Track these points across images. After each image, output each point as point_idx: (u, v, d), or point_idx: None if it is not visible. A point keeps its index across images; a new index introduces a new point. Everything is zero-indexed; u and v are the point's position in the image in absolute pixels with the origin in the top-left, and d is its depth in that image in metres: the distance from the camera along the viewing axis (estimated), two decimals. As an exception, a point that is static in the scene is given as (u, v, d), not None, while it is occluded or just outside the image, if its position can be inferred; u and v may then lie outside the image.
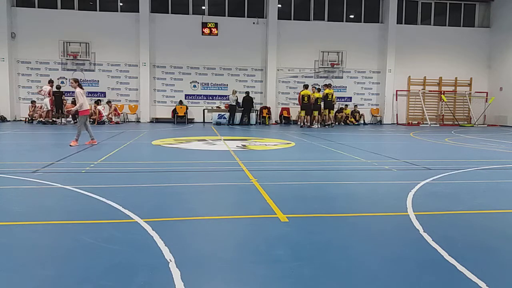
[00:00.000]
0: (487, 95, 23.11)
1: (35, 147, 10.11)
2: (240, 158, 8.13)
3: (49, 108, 17.63)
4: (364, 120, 21.96)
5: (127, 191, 5.24)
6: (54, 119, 17.91)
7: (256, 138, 12.91)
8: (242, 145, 10.78)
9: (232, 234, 3.73)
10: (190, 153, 9.39)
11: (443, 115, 22.91)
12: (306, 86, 19.01)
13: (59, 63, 20.41)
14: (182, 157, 8.78)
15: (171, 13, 21.15)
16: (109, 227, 3.69)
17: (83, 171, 6.47)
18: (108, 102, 19.47)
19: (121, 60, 20.79)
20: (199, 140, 11.83)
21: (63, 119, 18.24)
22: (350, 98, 22.43)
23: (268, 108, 21.06)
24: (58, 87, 17.90)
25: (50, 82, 18.41)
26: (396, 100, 22.47)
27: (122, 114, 20.43)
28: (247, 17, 21.60)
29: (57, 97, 17.65)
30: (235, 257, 3.13)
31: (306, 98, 18.54)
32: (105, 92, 20.20)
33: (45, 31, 20.04)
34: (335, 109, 20.50)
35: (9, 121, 19.43)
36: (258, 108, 21.00)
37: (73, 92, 13.17)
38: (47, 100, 17.61)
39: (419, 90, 22.70)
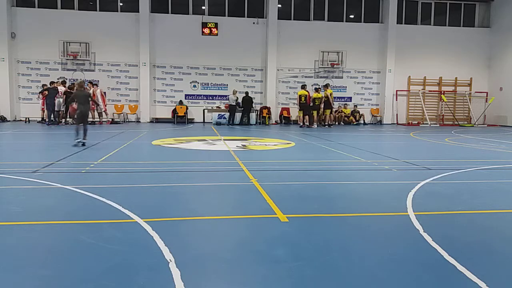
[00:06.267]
0: (487, 95, 23.10)
1: (35, 147, 10.11)
2: (240, 158, 8.13)
3: (61, 108, 17.66)
4: (364, 120, 21.95)
5: (127, 191, 5.24)
6: (61, 119, 17.90)
7: (256, 138, 12.90)
8: (242, 145, 10.78)
9: (232, 234, 3.73)
10: (190, 153, 9.39)
11: (443, 115, 22.90)
12: (303, 86, 19.03)
13: (59, 63, 20.39)
14: (182, 157, 8.78)
15: (171, 13, 21.13)
16: (109, 227, 3.69)
17: (83, 171, 6.47)
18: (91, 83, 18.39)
19: (121, 60, 20.78)
20: (199, 140, 11.83)
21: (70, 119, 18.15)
22: (350, 98, 22.42)
23: (268, 108, 21.04)
24: (70, 87, 17.75)
25: (63, 82, 18.38)
26: (396, 100, 22.46)
27: (122, 114, 20.41)
28: (247, 17, 21.59)
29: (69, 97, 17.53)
30: (235, 257, 3.13)
31: (303, 98, 18.55)
32: (105, 92, 20.17)
33: (45, 31, 20.02)
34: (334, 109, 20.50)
35: (9, 121, 19.43)
36: (258, 108, 20.99)
37: None
38: (61, 100, 17.56)
39: (419, 90, 22.69)
